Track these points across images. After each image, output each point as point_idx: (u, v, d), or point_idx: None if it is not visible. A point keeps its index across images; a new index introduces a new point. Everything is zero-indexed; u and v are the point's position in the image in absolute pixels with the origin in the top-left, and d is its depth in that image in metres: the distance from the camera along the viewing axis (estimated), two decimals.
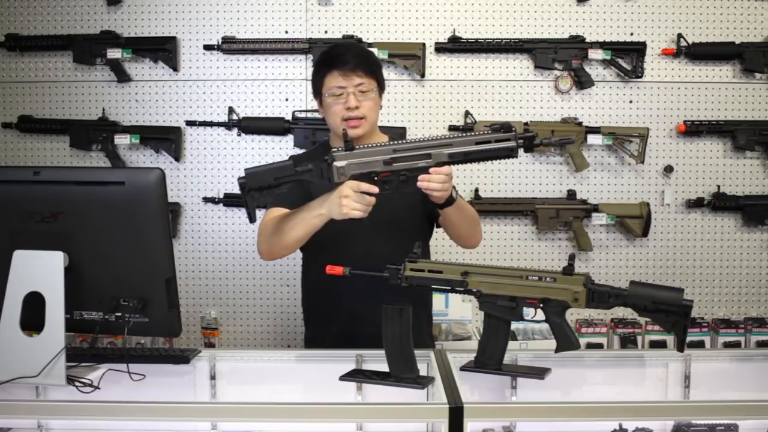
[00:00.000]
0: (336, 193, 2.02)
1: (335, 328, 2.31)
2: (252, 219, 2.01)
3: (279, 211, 2.23)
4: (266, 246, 2.24)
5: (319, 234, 2.15)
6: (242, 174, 2.00)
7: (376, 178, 1.98)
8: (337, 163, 1.97)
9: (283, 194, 2.16)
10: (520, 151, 1.97)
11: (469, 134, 1.98)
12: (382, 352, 1.85)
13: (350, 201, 1.98)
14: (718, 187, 3.52)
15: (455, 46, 3.46)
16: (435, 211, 2.24)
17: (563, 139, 2.05)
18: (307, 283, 2.44)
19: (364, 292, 2.13)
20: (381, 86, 2.32)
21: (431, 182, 1.99)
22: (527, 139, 1.94)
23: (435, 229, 2.42)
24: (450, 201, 2.11)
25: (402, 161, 1.98)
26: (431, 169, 1.98)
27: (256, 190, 1.98)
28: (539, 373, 1.87)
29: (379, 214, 2.05)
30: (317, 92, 2.32)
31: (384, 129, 2.44)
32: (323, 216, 2.08)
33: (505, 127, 1.94)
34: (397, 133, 3.32)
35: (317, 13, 3.49)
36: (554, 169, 3.52)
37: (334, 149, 2.00)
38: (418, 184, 2.00)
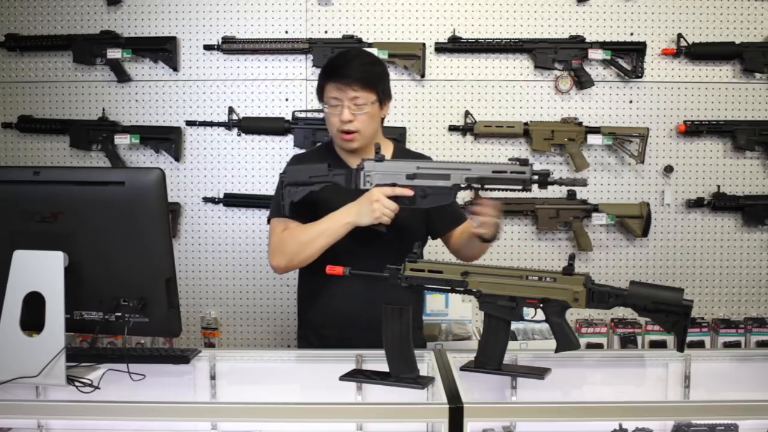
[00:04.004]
0: (365, 198, 2.09)
1: (329, 331, 2.31)
2: (287, 211, 2.16)
3: (286, 224, 2.23)
4: (285, 259, 2.22)
5: None
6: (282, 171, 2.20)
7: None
8: (366, 171, 2.09)
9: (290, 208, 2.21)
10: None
11: (487, 163, 2.08)
12: (382, 352, 1.85)
13: (381, 206, 2.06)
14: (718, 187, 3.52)
15: (455, 46, 3.46)
16: (439, 229, 2.35)
17: (576, 180, 2.08)
18: (303, 284, 2.42)
19: (358, 295, 2.16)
20: (384, 97, 2.28)
21: (484, 207, 2.07)
22: (541, 175, 2.04)
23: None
24: (494, 238, 2.16)
25: (423, 178, 2.08)
26: (481, 200, 2.08)
27: (292, 185, 2.14)
28: (539, 373, 1.87)
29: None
30: (320, 98, 2.31)
31: (384, 129, 2.43)
32: (350, 224, 2.12)
33: (522, 161, 2.03)
34: (397, 133, 3.32)
35: (317, 13, 3.48)
36: (554, 169, 3.50)
37: (365, 159, 2.12)
38: (472, 210, 2.08)
